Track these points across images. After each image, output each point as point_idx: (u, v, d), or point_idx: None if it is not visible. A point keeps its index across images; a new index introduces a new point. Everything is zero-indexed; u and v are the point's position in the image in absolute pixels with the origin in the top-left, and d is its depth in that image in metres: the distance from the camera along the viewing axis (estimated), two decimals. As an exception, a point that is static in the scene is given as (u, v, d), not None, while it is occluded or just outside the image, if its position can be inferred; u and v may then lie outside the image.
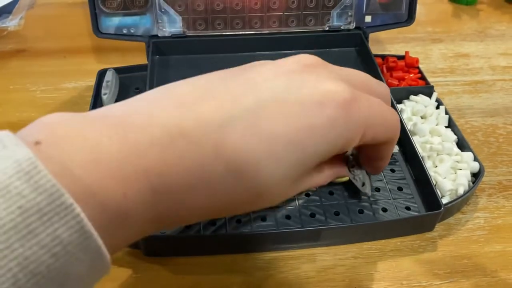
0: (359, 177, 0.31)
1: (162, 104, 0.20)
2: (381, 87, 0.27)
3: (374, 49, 0.46)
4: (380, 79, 0.41)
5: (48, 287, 0.16)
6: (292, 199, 0.33)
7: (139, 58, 0.46)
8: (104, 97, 0.40)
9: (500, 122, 0.43)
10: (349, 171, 0.30)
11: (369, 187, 0.33)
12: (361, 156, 0.30)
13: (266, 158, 0.21)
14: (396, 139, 0.28)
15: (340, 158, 0.29)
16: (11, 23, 0.52)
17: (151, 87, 0.40)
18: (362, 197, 0.33)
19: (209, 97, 0.21)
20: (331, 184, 0.33)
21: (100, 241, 0.17)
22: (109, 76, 0.42)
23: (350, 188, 0.34)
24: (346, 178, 0.33)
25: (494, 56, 0.51)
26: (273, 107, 0.21)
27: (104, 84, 0.42)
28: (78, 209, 0.16)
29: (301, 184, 0.24)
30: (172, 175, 0.19)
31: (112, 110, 0.20)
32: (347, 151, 0.30)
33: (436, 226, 0.33)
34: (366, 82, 0.26)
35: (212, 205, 0.21)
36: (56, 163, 0.17)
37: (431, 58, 0.51)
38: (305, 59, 0.24)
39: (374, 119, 0.25)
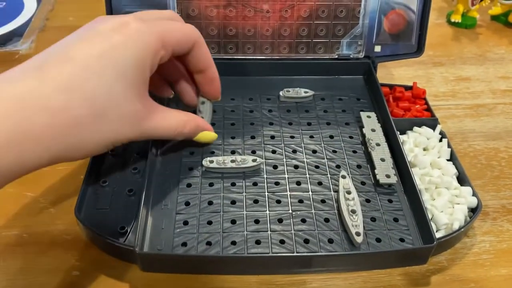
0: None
1: None
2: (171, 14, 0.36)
3: (379, 72, 0.47)
4: (385, 109, 0.42)
5: None
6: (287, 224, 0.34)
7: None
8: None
9: (502, 146, 0.44)
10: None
11: (362, 236, 0.32)
12: (197, 80, 0.38)
13: (89, 77, 0.28)
14: (201, 39, 0.36)
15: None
16: (23, 46, 0.53)
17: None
18: (356, 226, 0.33)
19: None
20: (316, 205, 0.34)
21: None
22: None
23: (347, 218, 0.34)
24: (208, 137, 0.38)
25: (494, 80, 0.53)
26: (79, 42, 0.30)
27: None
28: None
29: (151, 113, 0.32)
30: None
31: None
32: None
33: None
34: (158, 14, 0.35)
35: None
36: None
37: (433, 82, 0.52)
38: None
39: (167, 26, 0.33)
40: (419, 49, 0.46)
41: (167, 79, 0.40)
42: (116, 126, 0.30)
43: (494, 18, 0.63)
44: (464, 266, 0.34)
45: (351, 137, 0.41)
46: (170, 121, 0.34)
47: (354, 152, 0.40)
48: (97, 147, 0.30)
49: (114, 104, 0.29)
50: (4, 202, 0.37)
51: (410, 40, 0.46)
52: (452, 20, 0.61)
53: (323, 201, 0.35)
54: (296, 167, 0.38)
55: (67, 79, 0.28)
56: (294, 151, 0.39)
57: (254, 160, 0.37)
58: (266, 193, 0.36)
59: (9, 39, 0.54)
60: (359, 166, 0.38)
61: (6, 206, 0.37)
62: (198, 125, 0.37)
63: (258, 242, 0.32)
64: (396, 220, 0.34)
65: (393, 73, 0.52)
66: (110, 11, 0.43)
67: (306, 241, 0.33)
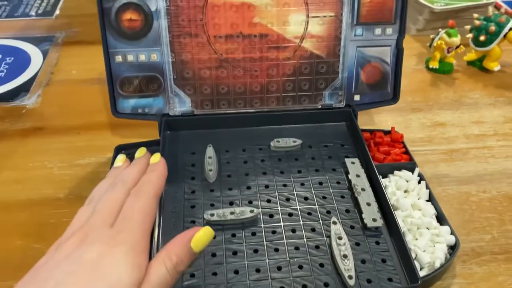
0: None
1: None
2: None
3: (362, 119, 0.50)
4: (367, 155, 0.45)
5: None
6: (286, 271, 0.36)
7: (150, 131, 0.49)
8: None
9: (473, 190, 0.47)
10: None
11: (354, 279, 0.35)
12: None
13: None
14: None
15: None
16: (29, 101, 0.55)
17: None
18: (348, 270, 0.36)
19: None
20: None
21: None
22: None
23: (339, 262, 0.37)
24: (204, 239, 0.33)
25: (468, 125, 0.55)
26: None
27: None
28: None
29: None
30: None
31: None
32: None
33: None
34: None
35: None
36: None
37: (411, 128, 0.55)
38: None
39: (134, 234, 0.32)
40: (394, 97, 0.51)
41: None
42: None
43: (470, 63, 0.66)
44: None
45: (338, 183, 0.44)
46: (156, 271, 0.31)
47: (342, 197, 0.43)
48: None
49: None
50: (12, 254, 0.39)
51: (386, 88, 0.50)
52: (430, 66, 0.65)
53: (317, 247, 0.38)
54: (290, 214, 0.41)
55: None
56: (288, 199, 0.43)
57: (251, 211, 0.40)
58: (265, 242, 0.39)
59: (16, 94, 0.56)
60: (347, 211, 0.41)
61: (13, 258, 0.38)
62: (182, 242, 0.32)
63: None
64: (384, 261, 0.37)
65: (374, 119, 0.56)
66: (110, 76, 0.47)
67: (304, 286, 0.35)
